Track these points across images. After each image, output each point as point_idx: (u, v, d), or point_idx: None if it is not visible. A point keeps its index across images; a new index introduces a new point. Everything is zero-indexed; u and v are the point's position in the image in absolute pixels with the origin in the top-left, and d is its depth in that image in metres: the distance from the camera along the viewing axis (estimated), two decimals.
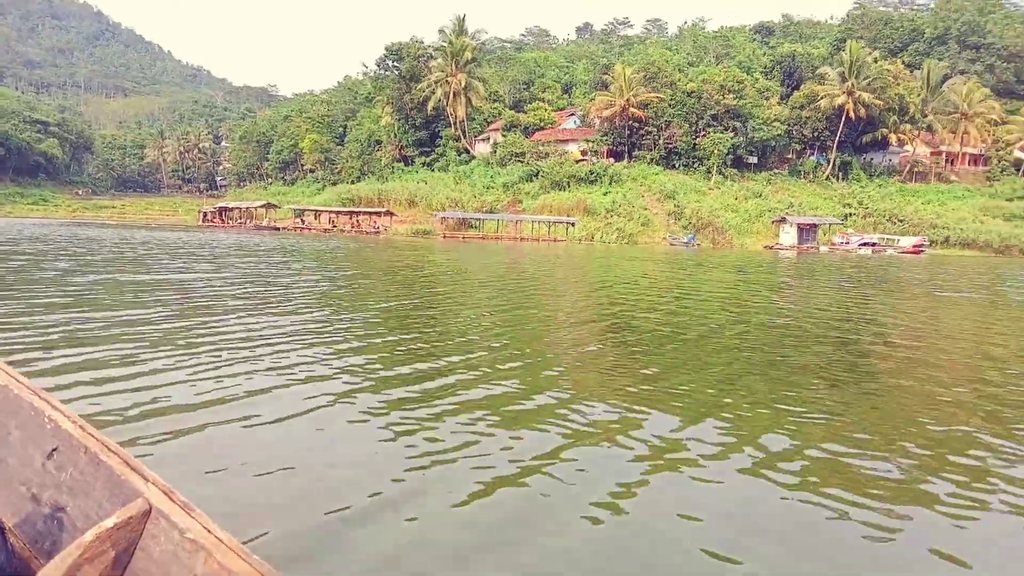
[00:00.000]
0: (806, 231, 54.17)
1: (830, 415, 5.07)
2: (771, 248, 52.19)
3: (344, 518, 3.09)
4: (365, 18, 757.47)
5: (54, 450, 2.00)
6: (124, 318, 8.18)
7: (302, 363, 6.10)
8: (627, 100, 65.05)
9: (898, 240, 52.09)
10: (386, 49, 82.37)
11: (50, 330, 7.20)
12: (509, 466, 3.82)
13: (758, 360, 7.13)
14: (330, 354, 6.58)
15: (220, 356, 6.22)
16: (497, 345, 7.50)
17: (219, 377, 5.47)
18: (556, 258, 29.95)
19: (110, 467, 1.86)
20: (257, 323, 8.33)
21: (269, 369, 5.81)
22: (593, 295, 14.12)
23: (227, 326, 7.98)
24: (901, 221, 57.97)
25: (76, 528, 1.86)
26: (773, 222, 56.13)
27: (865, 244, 51.52)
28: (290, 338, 7.35)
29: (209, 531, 1.65)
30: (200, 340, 6.97)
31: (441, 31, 77.29)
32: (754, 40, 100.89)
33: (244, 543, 1.68)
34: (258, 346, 6.80)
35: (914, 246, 50.24)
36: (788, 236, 54.28)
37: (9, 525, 1.96)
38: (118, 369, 5.57)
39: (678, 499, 3.50)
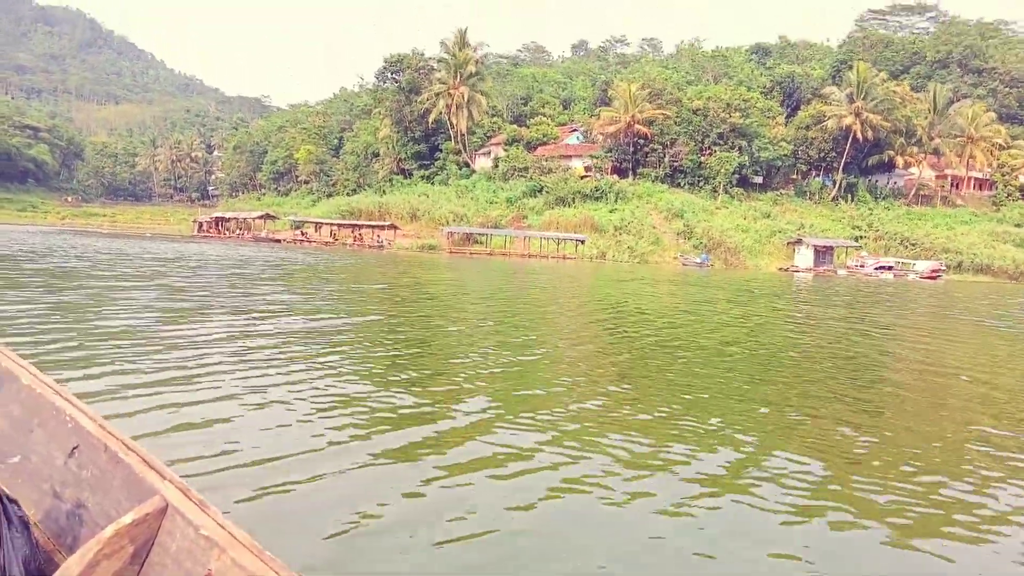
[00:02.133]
0: (822, 253, 53.08)
1: None
2: (786, 270, 51.09)
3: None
4: (357, 34, 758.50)
5: (75, 448, 2.02)
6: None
7: None
8: (632, 116, 64.17)
9: (914, 264, 51.19)
10: (385, 61, 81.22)
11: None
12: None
13: None
14: None
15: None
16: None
17: None
18: (575, 279, 28.60)
19: (129, 465, 1.88)
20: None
21: None
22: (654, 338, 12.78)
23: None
24: (913, 244, 57.13)
25: (96, 524, 1.88)
26: (788, 243, 55.07)
27: (881, 267, 50.48)
28: None
29: (223, 528, 1.66)
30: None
31: (443, 43, 76.81)
32: (751, 60, 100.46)
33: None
34: None
35: (931, 271, 49.30)
36: (804, 258, 53.20)
37: (34, 520, 1.97)
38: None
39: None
